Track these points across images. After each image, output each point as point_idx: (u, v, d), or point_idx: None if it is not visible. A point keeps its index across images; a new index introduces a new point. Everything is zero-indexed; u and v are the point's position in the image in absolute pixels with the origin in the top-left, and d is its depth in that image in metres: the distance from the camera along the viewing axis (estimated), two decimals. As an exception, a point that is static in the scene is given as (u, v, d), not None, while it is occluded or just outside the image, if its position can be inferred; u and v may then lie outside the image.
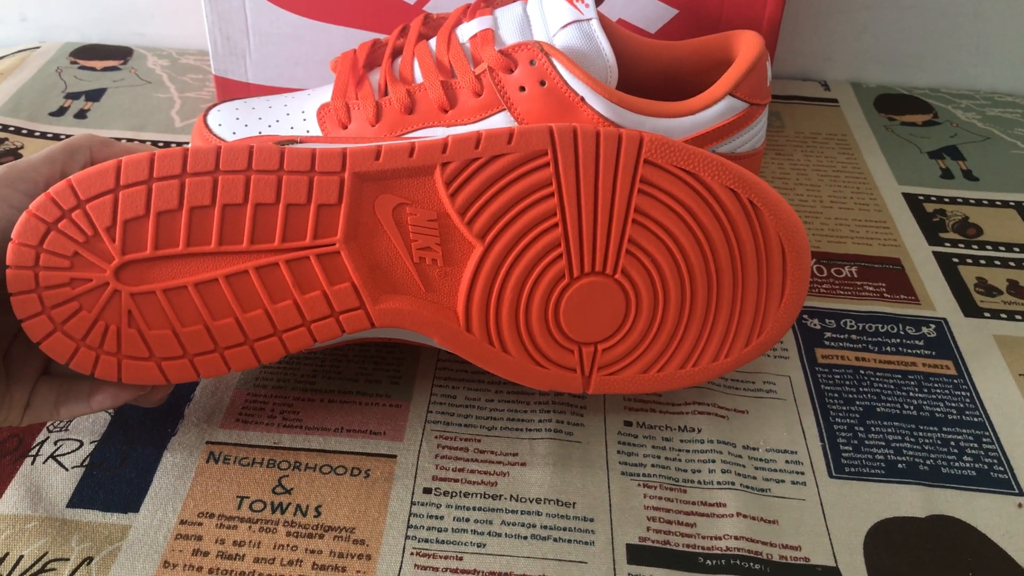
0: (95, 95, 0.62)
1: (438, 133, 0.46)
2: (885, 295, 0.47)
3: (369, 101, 0.47)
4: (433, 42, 0.48)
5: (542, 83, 0.44)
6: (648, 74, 0.50)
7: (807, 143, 0.59)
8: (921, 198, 0.54)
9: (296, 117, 0.48)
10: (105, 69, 0.65)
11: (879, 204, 0.54)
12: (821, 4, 0.63)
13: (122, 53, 0.67)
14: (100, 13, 0.68)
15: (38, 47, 0.67)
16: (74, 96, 0.62)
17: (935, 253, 0.50)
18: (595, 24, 0.44)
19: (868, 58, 0.65)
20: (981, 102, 0.64)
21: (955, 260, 0.50)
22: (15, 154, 0.55)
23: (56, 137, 0.57)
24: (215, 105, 0.51)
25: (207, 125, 0.49)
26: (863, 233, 0.52)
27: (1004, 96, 0.64)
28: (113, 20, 0.68)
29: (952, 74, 0.65)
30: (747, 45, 0.46)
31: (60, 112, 0.60)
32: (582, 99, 0.44)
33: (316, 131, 0.48)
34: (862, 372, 0.43)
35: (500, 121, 0.45)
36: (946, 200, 0.54)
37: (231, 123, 0.49)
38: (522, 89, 0.44)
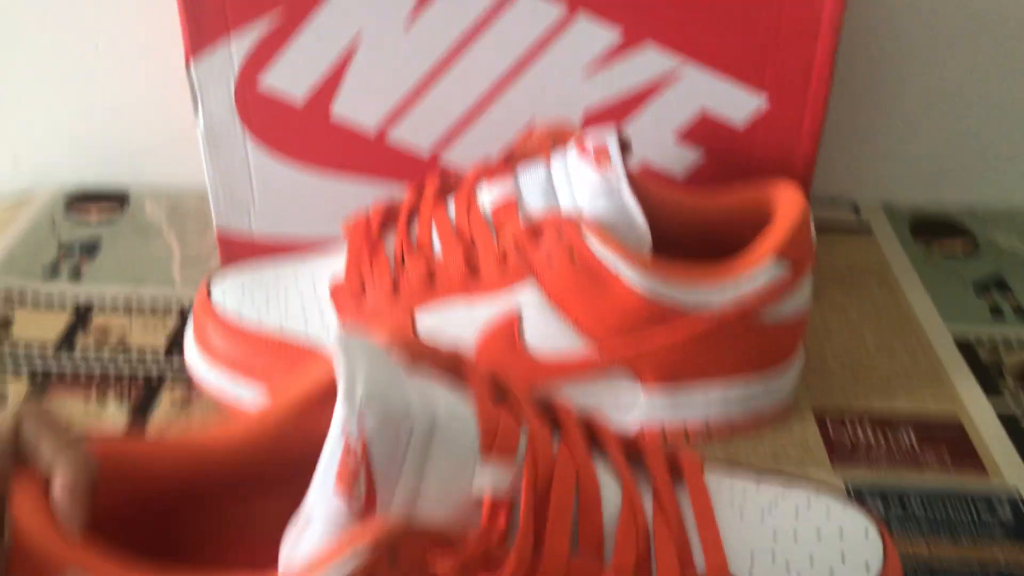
0: (91, 249, 0.59)
1: (460, 306, 0.42)
2: (949, 464, 0.43)
3: (385, 275, 0.43)
4: (452, 205, 0.45)
5: (571, 256, 0.41)
6: (680, 228, 0.47)
7: (844, 279, 0.56)
8: (973, 341, 0.51)
9: (308, 295, 0.45)
10: (101, 221, 0.62)
11: (928, 351, 0.50)
12: (849, 123, 0.60)
13: (119, 198, 0.64)
14: (95, 152, 0.65)
15: (30, 197, 0.64)
16: (68, 252, 0.59)
17: (996, 407, 0.47)
18: (624, 189, 0.41)
19: (899, 178, 0.63)
20: (1021, 225, 0.61)
21: (1019, 414, 0.46)
22: (5, 326, 0.52)
23: (49, 303, 0.54)
24: (219, 273, 0.48)
25: (210, 299, 0.46)
26: (916, 386, 0.48)
27: (1046, 217, 0.62)
28: (109, 159, 0.66)
29: (988, 193, 0.63)
30: (787, 201, 0.43)
31: (54, 271, 0.57)
32: (615, 271, 0.40)
33: (328, 306, 0.44)
34: (937, 566, 0.39)
35: (527, 295, 0.41)
36: (1000, 343, 0.51)
37: (236, 298, 0.46)
38: (550, 262, 0.41)
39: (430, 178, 0.46)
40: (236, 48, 0.48)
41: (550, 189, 0.43)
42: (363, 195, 0.52)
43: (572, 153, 0.43)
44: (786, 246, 0.42)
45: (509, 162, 0.46)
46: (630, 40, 0.47)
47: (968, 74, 0.59)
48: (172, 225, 0.62)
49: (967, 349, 0.51)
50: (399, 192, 0.52)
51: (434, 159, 0.51)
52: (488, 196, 0.43)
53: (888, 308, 0.54)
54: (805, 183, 0.51)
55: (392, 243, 0.45)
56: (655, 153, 0.51)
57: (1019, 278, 0.56)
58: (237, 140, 0.51)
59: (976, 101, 0.60)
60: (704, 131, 0.50)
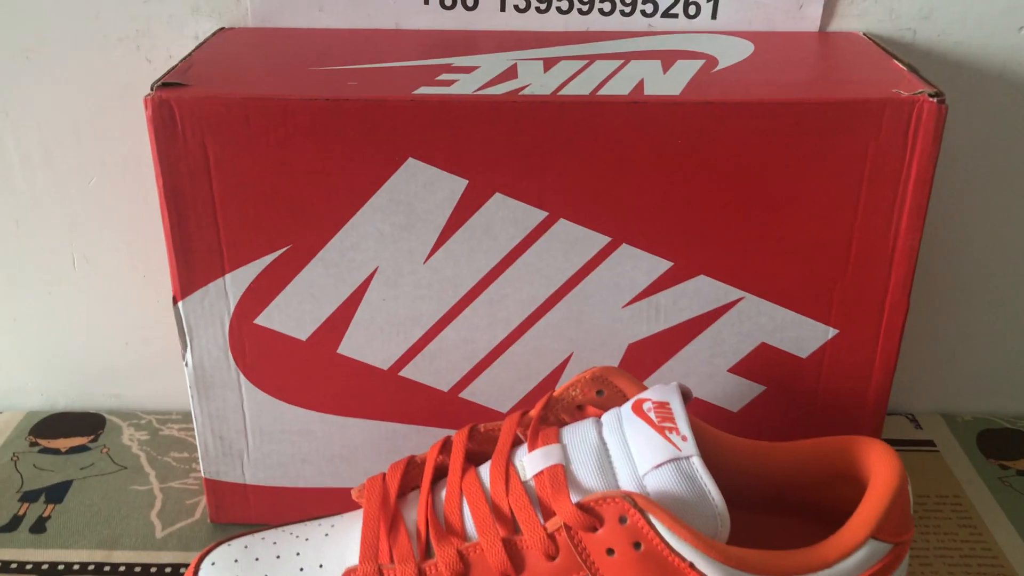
0: (57, 493, 0.51)
1: (501, 606, 0.35)
2: None
3: (408, 567, 0.36)
4: (486, 472, 0.38)
5: (637, 545, 0.34)
6: (748, 484, 0.41)
7: (917, 511, 0.50)
8: (1079, 592, 0.44)
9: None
10: (71, 451, 0.55)
11: (1030, 606, 0.44)
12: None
13: (92, 425, 0.57)
14: (71, 374, 0.59)
15: (-7, 424, 0.57)
16: (32, 496, 0.51)
17: None
18: (697, 463, 0.35)
19: (959, 386, 0.57)
20: (1097, 436, 0.55)
21: None
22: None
23: (5, 568, 0.46)
24: (210, 551, 0.40)
25: (199, 587, 0.38)
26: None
27: (1121, 425, 0.56)
28: (85, 381, 0.59)
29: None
30: (883, 467, 0.37)
31: (14, 524, 0.49)
32: (690, 564, 0.34)
33: (341, 601, 0.37)
34: None
35: (582, 589, 0.35)
36: (1110, 595, 0.44)
37: (229, 583, 0.38)
38: (610, 552, 0.34)
39: (457, 436, 0.40)
40: (232, 285, 0.42)
41: (604, 457, 0.36)
42: (374, 439, 0.46)
43: (628, 413, 0.37)
44: (885, 524, 0.35)
45: (549, 412, 0.40)
46: (680, 272, 0.42)
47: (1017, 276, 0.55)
48: (153, 458, 0.54)
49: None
50: (415, 437, 0.46)
51: (455, 397, 0.45)
52: (529, 463, 0.37)
53: (973, 548, 0.47)
54: (877, 422, 0.45)
55: (414, 516, 0.38)
56: (703, 385, 0.45)
57: (1111, 505, 0.50)
58: (230, 381, 0.45)
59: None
60: (762, 363, 0.44)
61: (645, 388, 0.39)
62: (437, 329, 0.43)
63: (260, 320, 0.43)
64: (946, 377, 0.57)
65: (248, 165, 0.39)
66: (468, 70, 0.42)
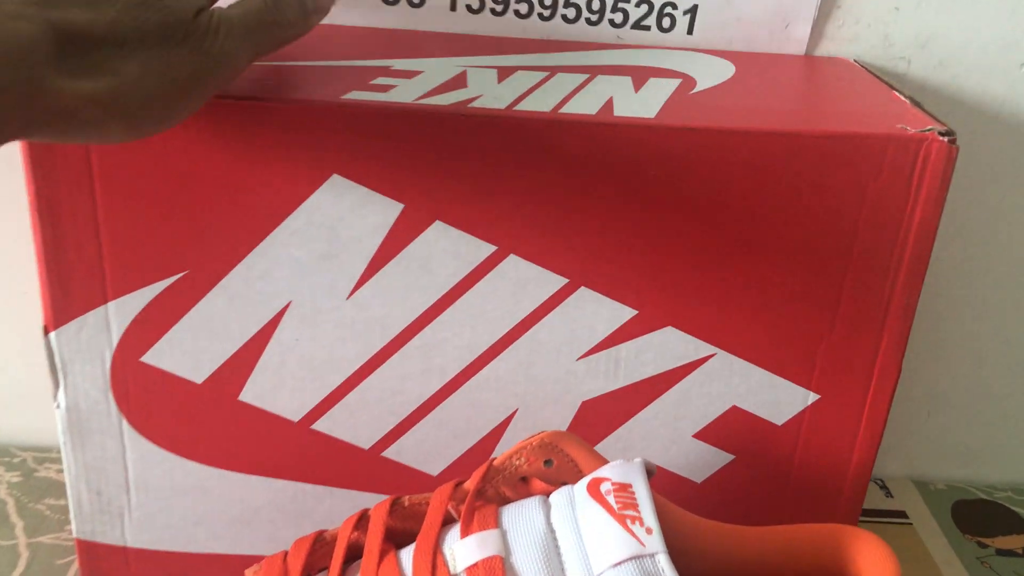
0: (-98, 547, 0.43)
1: None
2: None
3: (310, 673, 0.30)
4: (409, 559, 0.32)
5: (587, 659, 0.28)
6: (719, 572, 0.35)
7: (891, 595, 0.44)
8: None
9: None
10: (-74, 495, 0.47)
11: None
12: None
13: (-44, 463, 0.49)
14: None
15: None
16: None
17: None
18: (663, 562, 0.29)
19: (932, 451, 0.53)
20: (1079, 510, 0.51)
21: None
22: None
23: None
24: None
25: None
26: None
27: (1101, 497, 0.52)
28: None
29: (1031, 468, 0.53)
30: (875, 565, 0.32)
31: None
32: None
33: None
34: None
35: None
36: None
37: None
38: (556, 666, 0.28)
39: (376, 509, 0.33)
40: (116, 315, 0.35)
41: (552, 548, 0.30)
42: (280, 500, 0.39)
43: (582, 494, 0.31)
44: (881, 633, 0.30)
45: (487, 484, 0.34)
46: (645, 322, 0.36)
47: (1004, 341, 0.50)
48: (23, 505, 0.47)
49: None
50: (329, 501, 0.39)
51: (377, 456, 0.39)
52: (462, 552, 0.31)
53: (955, 644, 0.42)
54: (856, 501, 0.40)
55: None
56: (664, 451, 0.39)
57: (1097, 591, 0.45)
58: (110, 428, 0.37)
59: (1016, 367, 0.51)
60: (731, 429, 0.39)
61: (603, 461, 0.33)
62: (359, 377, 0.37)
63: (148, 358, 0.36)
64: (919, 441, 0.52)
65: (139, 174, 0.33)
66: (409, 75, 0.36)
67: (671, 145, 0.33)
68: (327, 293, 0.35)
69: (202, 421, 0.37)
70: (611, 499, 0.30)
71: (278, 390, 0.37)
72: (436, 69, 0.37)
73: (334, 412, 0.37)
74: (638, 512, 0.30)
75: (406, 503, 0.34)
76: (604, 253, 0.35)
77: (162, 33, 0.26)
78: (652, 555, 0.29)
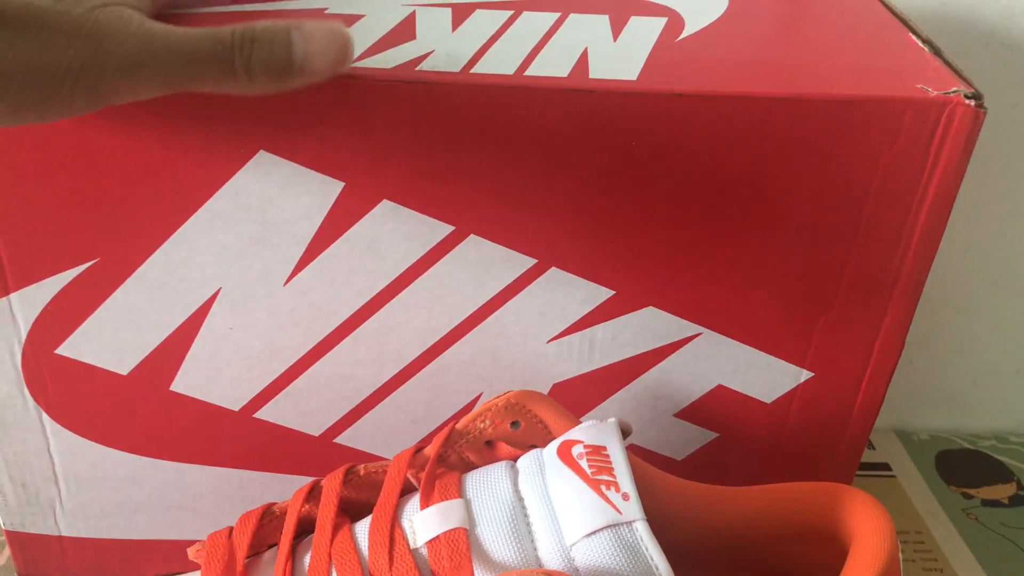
0: None
1: None
2: None
3: None
4: (364, 533, 0.29)
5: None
6: (699, 537, 0.33)
7: (874, 555, 0.43)
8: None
9: None
10: None
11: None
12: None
13: None
14: None
15: None
16: None
17: None
18: (641, 529, 0.26)
19: (915, 400, 0.50)
20: (1067, 456, 0.49)
21: None
22: None
23: None
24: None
25: None
26: None
27: (1092, 444, 0.50)
28: None
29: (1017, 415, 0.51)
30: (869, 527, 0.29)
31: None
32: None
33: None
34: None
35: None
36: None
37: None
38: None
39: (329, 479, 0.30)
40: (20, 307, 0.31)
41: (520, 517, 0.27)
42: (224, 487, 0.36)
43: (552, 458, 0.28)
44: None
45: (450, 450, 0.31)
46: (623, 302, 0.32)
47: (988, 284, 0.47)
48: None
49: None
50: (277, 487, 0.36)
51: (329, 442, 0.35)
52: (422, 524, 0.28)
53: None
54: (846, 477, 0.37)
55: None
56: (643, 431, 0.36)
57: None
58: (29, 421, 0.34)
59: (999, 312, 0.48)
60: (716, 408, 0.36)
61: (575, 422, 0.30)
62: (304, 364, 0.33)
63: (64, 350, 0.32)
64: (901, 390, 0.50)
65: (34, 154, 0.28)
66: (348, 21, 0.30)
67: (655, 112, 0.28)
68: (261, 279, 0.31)
69: (132, 412, 0.34)
70: (583, 463, 0.27)
71: (213, 380, 0.33)
72: (379, 11, 0.31)
73: (279, 400, 0.34)
74: (613, 477, 0.27)
75: (362, 472, 0.30)
76: (577, 231, 0.30)
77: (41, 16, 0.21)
78: (629, 523, 0.26)
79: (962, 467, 0.49)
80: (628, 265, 0.31)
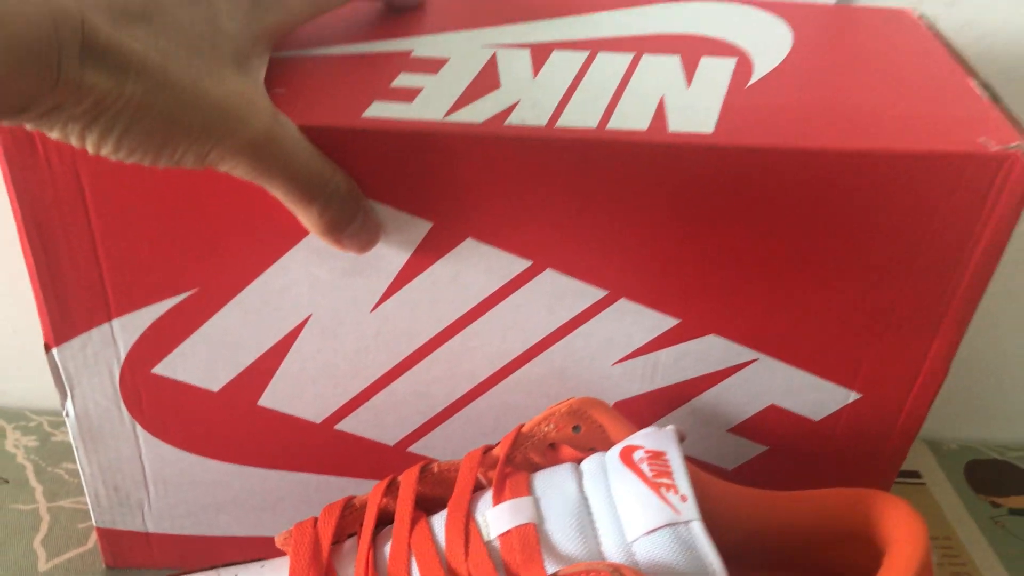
0: (-79, 516, 0.43)
1: None
2: None
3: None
4: (440, 525, 0.31)
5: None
6: (746, 538, 0.35)
7: (907, 558, 0.45)
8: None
9: None
10: (-61, 457, 0.46)
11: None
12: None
13: (-36, 421, 0.48)
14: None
15: None
16: None
17: None
18: (697, 529, 0.28)
19: (945, 411, 0.52)
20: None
21: None
22: None
23: None
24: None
25: None
26: None
27: (1118, 452, 0.52)
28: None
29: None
30: (905, 532, 0.31)
31: None
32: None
33: None
34: None
35: None
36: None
37: None
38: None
39: (406, 476, 0.32)
40: (121, 331, 0.33)
41: (585, 515, 0.30)
42: (303, 490, 0.39)
43: (615, 461, 0.30)
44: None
45: (516, 451, 0.33)
46: (687, 330, 0.34)
47: (1016, 302, 0.49)
48: (42, 469, 0.46)
49: None
50: (353, 489, 0.39)
51: (402, 451, 0.38)
52: (495, 519, 0.30)
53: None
54: (887, 483, 0.40)
55: (351, 572, 0.31)
56: (696, 444, 0.38)
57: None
58: (124, 432, 0.36)
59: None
60: (767, 425, 0.38)
61: (631, 428, 0.32)
62: (384, 382, 0.35)
63: (159, 370, 0.34)
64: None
65: (140, 185, 0.30)
66: (434, 67, 0.32)
67: (729, 163, 0.30)
68: (350, 307, 0.33)
69: (219, 424, 0.36)
70: (644, 467, 0.30)
71: (299, 396, 0.35)
72: (462, 54, 0.33)
73: (358, 413, 0.36)
74: (672, 480, 0.29)
75: (435, 469, 0.33)
76: (646, 265, 0.32)
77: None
78: (687, 522, 0.28)
79: (990, 476, 0.51)
80: (694, 296, 0.33)
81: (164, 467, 0.37)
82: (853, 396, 0.37)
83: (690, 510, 0.29)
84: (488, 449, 0.33)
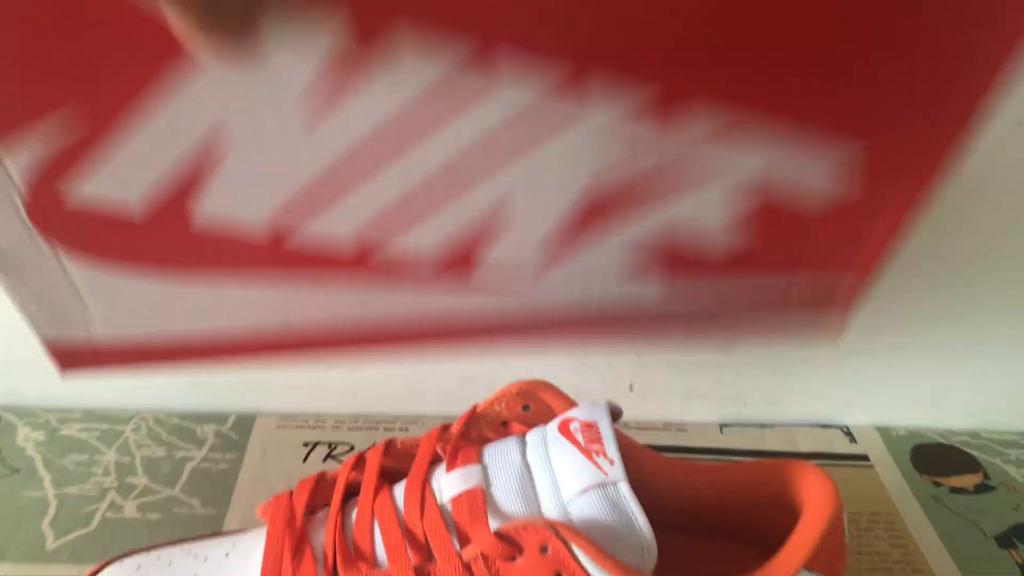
0: (-59, 499, 0.47)
1: (409, 640, 0.33)
2: None
3: (312, 593, 0.34)
4: (400, 493, 0.35)
5: (557, 576, 0.32)
6: (678, 505, 0.39)
7: (850, 529, 0.48)
8: (1010, 618, 0.44)
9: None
10: (-40, 451, 0.51)
11: (963, 630, 0.43)
12: (839, 343, 0.54)
13: (-15, 423, 0.53)
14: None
15: None
16: (-88, 503, 0.47)
17: None
18: (624, 489, 0.33)
19: (894, 400, 0.56)
20: (1032, 453, 0.55)
21: None
22: None
23: None
24: (99, 571, 0.37)
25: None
26: None
27: (1055, 442, 0.56)
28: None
29: (988, 415, 0.57)
30: (818, 496, 0.35)
31: None
32: (614, 600, 0.31)
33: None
34: None
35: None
36: (1041, 620, 0.44)
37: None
38: (530, 585, 0.32)
39: (372, 451, 0.37)
40: (13, 161, 0.32)
41: (527, 480, 0.34)
42: (251, 295, 0.37)
43: (554, 433, 0.35)
44: (818, 554, 0.34)
45: (471, 428, 0.38)
46: (665, 100, 0.31)
47: (955, 301, 0.54)
48: (50, 461, 0.50)
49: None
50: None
51: (362, 252, 0.36)
52: (447, 484, 0.35)
53: (906, 571, 0.46)
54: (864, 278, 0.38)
55: (322, 538, 0.36)
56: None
57: (1041, 524, 0.49)
58: (45, 262, 0.35)
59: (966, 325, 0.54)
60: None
61: (574, 404, 0.37)
62: (327, 184, 0.34)
63: (68, 193, 0.33)
64: (882, 390, 0.56)
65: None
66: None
67: None
68: (271, 110, 0.31)
69: (150, 247, 0.35)
70: (578, 436, 0.34)
71: (233, 208, 0.34)
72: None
73: (304, 222, 0.35)
74: (602, 447, 0.34)
75: (398, 445, 0.37)
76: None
77: None
78: (615, 483, 0.33)
79: (934, 459, 0.54)
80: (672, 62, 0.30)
81: (98, 285, 0.36)
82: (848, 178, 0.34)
83: (617, 472, 0.33)
84: (446, 427, 0.38)
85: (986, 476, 0.53)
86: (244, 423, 0.55)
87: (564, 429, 0.35)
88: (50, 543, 0.45)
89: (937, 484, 0.52)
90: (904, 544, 0.48)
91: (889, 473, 0.53)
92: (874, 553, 0.47)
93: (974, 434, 0.56)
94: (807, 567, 0.33)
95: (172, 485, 0.49)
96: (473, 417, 0.38)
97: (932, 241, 0.52)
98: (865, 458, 0.54)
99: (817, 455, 0.54)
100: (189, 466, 0.51)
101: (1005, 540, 0.48)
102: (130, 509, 0.48)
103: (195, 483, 0.49)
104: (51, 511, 0.47)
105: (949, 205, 0.50)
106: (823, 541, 0.34)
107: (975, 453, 0.55)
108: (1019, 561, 0.47)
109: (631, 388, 0.55)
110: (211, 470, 0.51)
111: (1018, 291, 0.52)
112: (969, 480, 0.53)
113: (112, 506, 0.48)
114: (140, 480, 0.50)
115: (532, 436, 0.36)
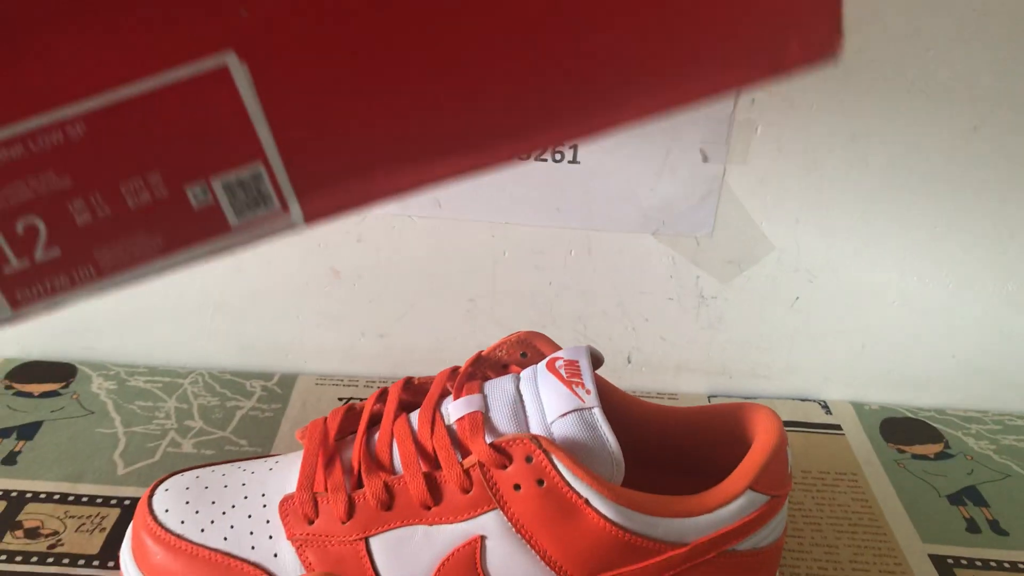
0: (29, 431, 0.55)
1: (419, 532, 0.40)
2: None
3: (340, 495, 0.41)
4: (415, 418, 0.43)
5: (540, 482, 0.39)
6: (648, 443, 0.46)
7: (816, 486, 0.54)
8: (951, 561, 0.49)
9: (256, 511, 0.42)
10: (44, 395, 0.59)
11: (905, 570, 0.48)
12: (818, 324, 0.60)
13: (64, 373, 0.61)
14: (45, 326, 0.63)
15: (-29, 367, 0.61)
16: (5, 433, 0.55)
17: (980, 640, 0.44)
18: (598, 414, 0.40)
19: (868, 378, 0.62)
20: (992, 427, 0.60)
21: (1003, 650, 0.44)
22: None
23: (-23, 495, 0.50)
24: (162, 481, 0.45)
25: (152, 512, 0.43)
26: (896, 613, 0.46)
27: (1015, 419, 0.61)
28: (57, 333, 0.63)
29: (955, 394, 0.62)
30: (765, 429, 0.42)
31: (-14, 456, 0.53)
32: (586, 501, 0.38)
33: (277, 523, 0.41)
34: None
35: (491, 521, 0.39)
36: (978, 564, 0.49)
37: (180, 509, 0.43)
38: (517, 488, 0.39)
39: (393, 387, 0.44)
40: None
41: (519, 407, 0.41)
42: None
43: (542, 369, 0.42)
44: (763, 477, 0.40)
45: (476, 369, 0.45)
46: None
47: (922, 286, 0.59)
48: (119, 405, 0.59)
49: (945, 569, 0.49)
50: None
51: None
52: (454, 410, 0.42)
53: (862, 520, 0.52)
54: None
55: (350, 454, 0.43)
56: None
57: (995, 489, 0.55)
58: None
59: (929, 311, 0.60)
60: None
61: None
62: None
63: None
64: (857, 369, 0.62)
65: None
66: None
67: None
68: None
69: None
70: (562, 371, 0.41)
71: None
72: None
73: None
74: (581, 380, 0.41)
75: (415, 382, 0.45)
76: None
77: None
78: (590, 408, 0.40)
79: (901, 430, 0.60)
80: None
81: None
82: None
83: (592, 400, 0.40)
84: (456, 368, 0.45)
85: (947, 446, 0.58)
86: (287, 380, 0.62)
87: (551, 366, 0.42)
88: (120, 470, 0.53)
89: (901, 451, 0.58)
90: (865, 499, 0.54)
91: (858, 441, 0.59)
92: (836, 504, 0.53)
93: (940, 411, 0.62)
94: (752, 487, 0.40)
95: (224, 428, 0.57)
96: (479, 360, 0.45)
97: (900, 235, 0.58)
98: (838, 428, 0.60)
99: (794, 423, 0.60)
100: (239, 413, 0.58)
101: (955, 498, 0.54)
102: (187, 446, 0.55)
103: (244, 427, 0.57)
104: (120, 445, 0.55)
105: (908, 202, 0.57)
106: (767, 466, 0.40)
107: (939, 427, 0.60)
108: (966, 516, 0.52)
109: (628, 360, 0.62)
110: (258, 417, 0.58)
111: (989, 277, 0.58)
112: (931, 449, 0.58)
113: (172, 443, 0.55)
114: (196, 423, 0.57)
115: (525, 372, 0.43)
